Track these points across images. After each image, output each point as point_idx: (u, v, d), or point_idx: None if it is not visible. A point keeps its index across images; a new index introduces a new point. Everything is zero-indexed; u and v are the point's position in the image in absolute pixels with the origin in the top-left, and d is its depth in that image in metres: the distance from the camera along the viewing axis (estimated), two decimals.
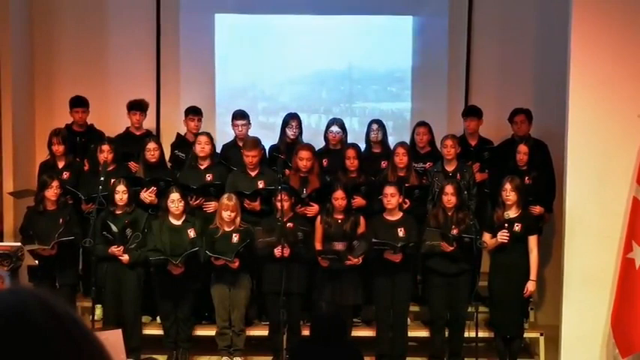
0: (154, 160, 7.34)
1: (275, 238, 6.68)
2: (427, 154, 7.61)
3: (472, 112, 7.72)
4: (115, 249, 6.79)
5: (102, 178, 6.85)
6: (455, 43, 8.41)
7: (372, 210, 7.10)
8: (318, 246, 6.89)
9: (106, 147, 7.25)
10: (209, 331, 7.12)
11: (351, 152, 7.27)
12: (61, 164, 7.46)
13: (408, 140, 7.69)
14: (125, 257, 6.81)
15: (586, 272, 6.48)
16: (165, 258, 6.73)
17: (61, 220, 6.88)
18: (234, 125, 7.67)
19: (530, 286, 6.71)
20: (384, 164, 7.46)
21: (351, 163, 7.24)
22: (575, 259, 6.52)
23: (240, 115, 7.67)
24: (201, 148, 7.31)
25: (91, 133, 7.90)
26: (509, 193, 6.64)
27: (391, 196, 6.77)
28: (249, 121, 7.67)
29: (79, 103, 7.82)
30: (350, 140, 7.70)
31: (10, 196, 7.74)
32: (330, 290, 6.80)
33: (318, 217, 6.97)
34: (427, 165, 7.48)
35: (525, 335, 7.12)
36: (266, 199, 7.08)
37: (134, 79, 8.40)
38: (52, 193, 6.90)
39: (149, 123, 8.16)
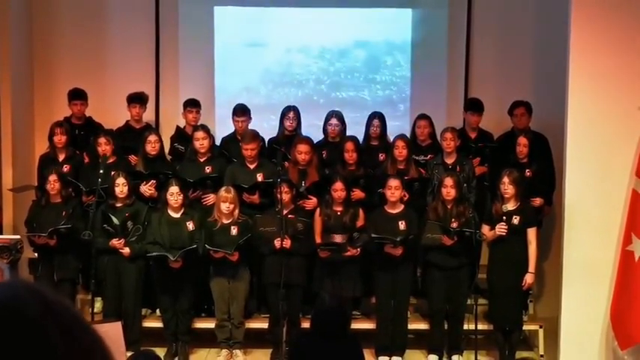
0: (154, 152, 7.34)
1: (275, 229, 6.69)
2: (428, 147, 7.60)
3: (474, 106, 7.70)
4: (116, 242, 6.79)
5: (101, 171, 6.86)
6: (454, 36, 8.40)
7: (371, 203, 7.11)
8: (318, 239, 6.90)
9: (102, 139, 7.25)
10: (208, 324, 7.13)
11: (349, 145, 7.26)
12: (61, 157, 7.45)
13: (407, 133, 7.69)
14: (126, 250, 6.82)
15: (585, 264, 6.48)
16: (162, 254, 6.72)
17: (64, 213, 6.89)
18: (234, 120, 7.66)
19: (529, 279, 6.71)
20: (382, 157, 7.46)
21: (350, 155, 7.24)
22: (575, 251, 6.52)
23: (240, 111, 7.65)
24: (199, 144, 7.30)
25: (89, 125, 7.88)
26: (507, 186, 6.64)
27: (395, 189, 6.77)
28: (249, 116, 7.67)
29: (77, 95, 7.80)
30: (349, 133, 7.70)
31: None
32: (329, 283, 6.81)
33: (317, 210, 6.97)
34: (428, 157, 7.49)
35: (525, 327, 7.13)
36: (265, 192, 7.08)
37: (133, 71, 8.38)
38: (50, 186, 6.90)
39: (148, 116, 8.15)
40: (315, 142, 7.45)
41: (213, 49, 8.52)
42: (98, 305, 7.08)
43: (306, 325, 6.51)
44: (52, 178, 6.91)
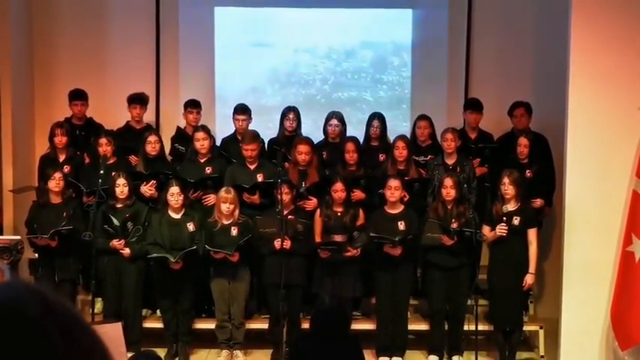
0: (154, 153, 7.34)
1: (275, 230, 6.69)
2: (428, 148, 7.60)
3: (473, 106, 7.71)
4: (116, 242, 6.79)
5: (102, 172, 6.86)
6: (455, 36, 8.39)
7: (372, 203, 7.11)
8: (318, 239, 6.90)
9: (103, 140, 7.26)
10: (209, 325, 7.13)
11: (350, 145, 7.26)
12: (62, 157, 7.45)
13: (407, 133, 7.69)
14: (126, 251, 6.82)
15: (586, 265, 6.48)
16: (163, 255, 6.72)
17: (65, 214, 6.89)
18: (234, 119, 7.67)
19: (529, 279, 6.71)
20: (382, 157, 7.46)
21: (351, 156, 7.24)
22: (575, 252, 6.52)
23: (240, 110, 7.66)
24: (200, 145, 7.30)
25: (90, 126, 7.89)
26: (507, 187, 6.64)
27: (395, 189, 6.77)
28: (249, 115, 7.67)
29: (78, 95, 7.81)
30: (349, 133, 7.70)
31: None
32: (329, 283, 6.81)
33: (318, 211, 6.98)
34: (428, 158, 7.48)
35: (525, 328, 7.12)
36: (265, 192, 7.08)
37: (134, 72, 8.38)
38: (54, 184, 6.90)
39: (149, 116, 8.15)
40: (315, 142, 7.45)
41: (214, 50, 8.53)
42: (98, 306, 7.08)
43: (306, 325, 6.51)
44: (58, 175, 6.91)
